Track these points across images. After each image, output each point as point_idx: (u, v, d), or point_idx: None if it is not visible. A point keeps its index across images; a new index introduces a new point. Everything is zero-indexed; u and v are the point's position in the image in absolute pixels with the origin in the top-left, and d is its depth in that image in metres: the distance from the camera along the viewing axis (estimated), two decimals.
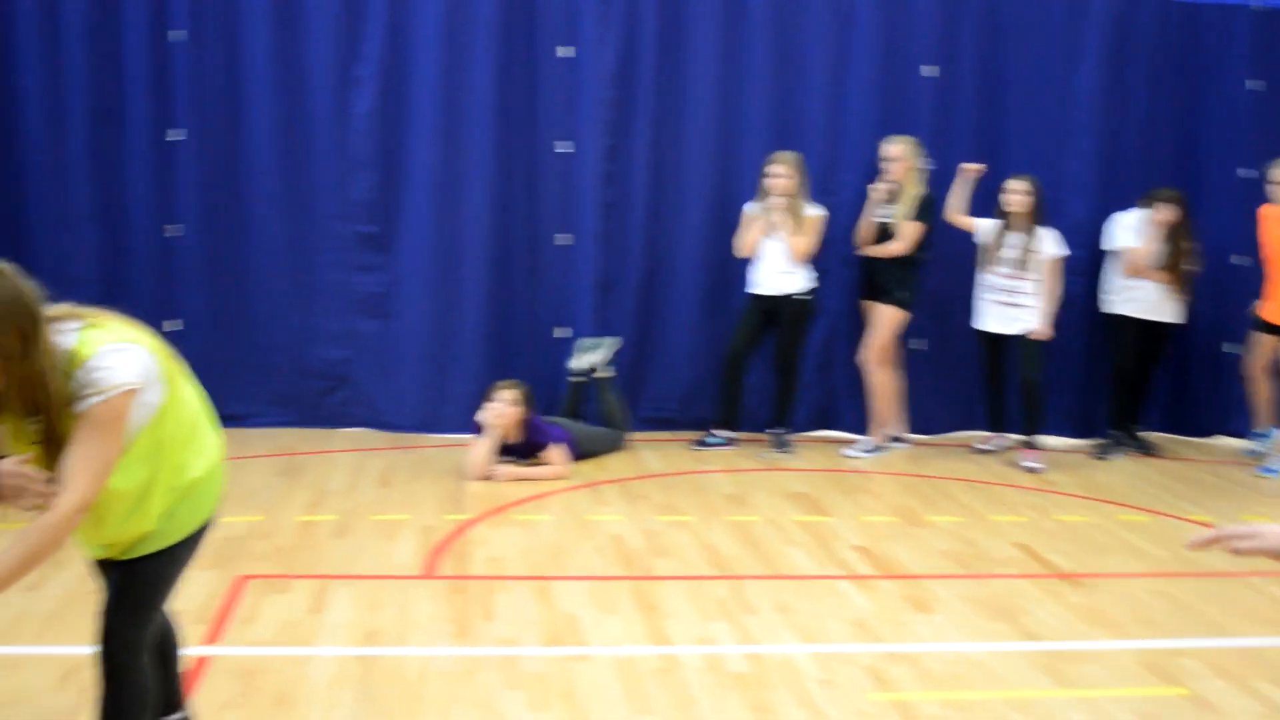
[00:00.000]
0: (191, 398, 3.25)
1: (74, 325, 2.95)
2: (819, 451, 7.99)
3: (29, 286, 2.84)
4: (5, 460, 2.78)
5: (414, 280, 8.06)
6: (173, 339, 7.63)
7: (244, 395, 8.05)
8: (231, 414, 7.98)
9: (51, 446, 2.88)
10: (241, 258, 7.96)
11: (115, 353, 2.93)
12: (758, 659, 4.60)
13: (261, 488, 6.75)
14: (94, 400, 2.86)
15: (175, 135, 7.77)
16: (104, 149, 7.72)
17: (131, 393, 2.92)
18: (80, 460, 2.83)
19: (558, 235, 8.14)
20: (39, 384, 2.81)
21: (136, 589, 3.18)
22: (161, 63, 7.70)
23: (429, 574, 5.46)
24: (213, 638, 4.63)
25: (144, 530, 3.14)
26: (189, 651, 4.33)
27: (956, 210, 7.92)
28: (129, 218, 7.83)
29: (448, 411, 8.02)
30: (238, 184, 7.88)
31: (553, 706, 4.16)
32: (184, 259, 7.92)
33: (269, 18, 7.73)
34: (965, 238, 7.93)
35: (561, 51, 7.95)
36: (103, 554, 3.22)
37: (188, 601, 4.87)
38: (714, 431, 8.01)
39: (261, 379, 8.07)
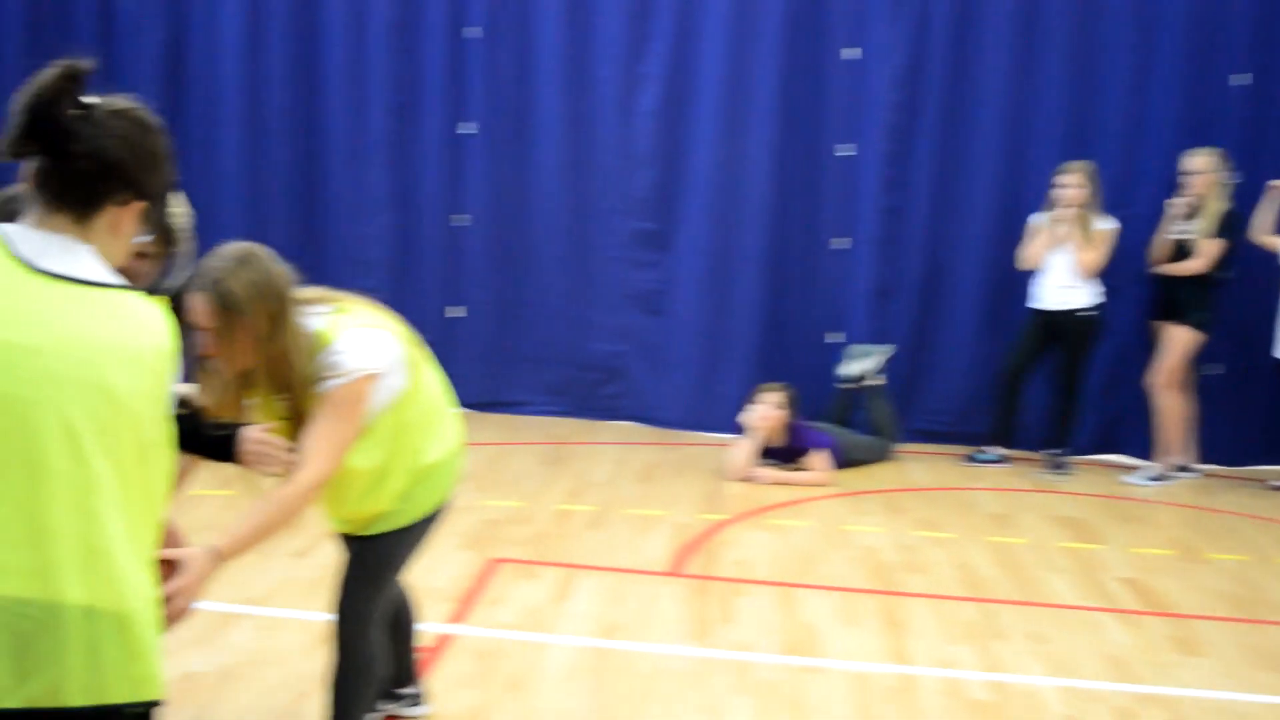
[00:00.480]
0: (433, 384, 3.34)
1: (323, 309, 3.08)
2: (1097, 476, 7.62)
3: (280, 269, 2.99)
4: (251, 428, 2.93)
5: (689, 278, 8.11)
6: (455, 325, 8.10)
7: (520, 383, 8.29)
8: (507, 400, 8.27)
9: (296, 423, 3.01)
10: (524, 249, 8.19)
11: (359, 338, 3.04)
12: (1001, 688, 4.41)
13: (526, 474, 6.92)
14: (335, 382, 2.97)
15: (466, 128, 8.07)
16: (399, 140, 8.09)
17: (371, 377, 3.02)
18: (319, 439, 2.96)
19: (835, 239, 8.04)
20: (285, 363, 2.95)
21: (370, 564, 3.29)
22: (456, 58, 8.01)
23: (675, 572, 5.47)
24: (458, 617, 4.77)
25: (381, 509, 3.25)
26: (433, 628, 4.48)
27: (1263, 230, 7.40)
28: (420, 206, 8.18)
29: (716, 410, 8.03)
30: (523, 177, 8.12)
31: (779, 717, 4.10)
32: (470, 248, 8.21)
33: (560, 16, 7.93)
34: (1272, 259, 7.40)
35: (847, 53, 7.85)
36: (343, 528, 3.35)
37: (439, 579, 5.04)
38: (986, 448, 7.75)
39: (537, 368, 8.29)
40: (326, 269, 7.98)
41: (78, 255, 2.00)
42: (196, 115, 8.15)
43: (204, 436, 2.90)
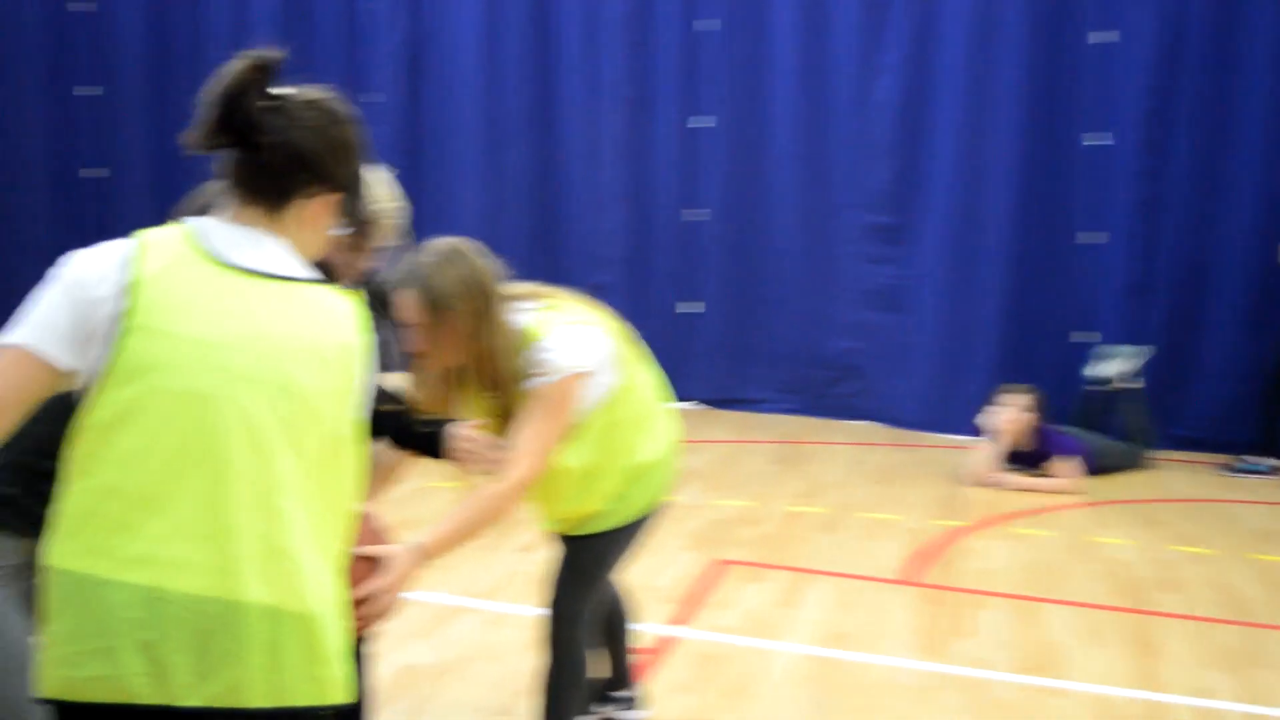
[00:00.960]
0: (647, 381, 3.24)
1: (532, 305, 3.00)
2: None
3: (488, 265, 2.92)
4: (459, 424, 2.87)
5: (929, 273, 7.83)
6: (690, 321, 8.04)
7: (754, 379, 8.16)
8: (740, 397, 8.15)
9: (503, 420, 2.95)
10: (759, 243, 8.05)
11: (568, 335, 2.95)
12: None
13: (758, 474, 6.78)
14: (543, 380, 2.89)
15: (701, 122, 7.97)
16: (634, 134, 8.06)
17: (580, 375, 2.93)
18: (526, 438, 2.88)
19: (1084, 233, 7.64)
20: (493, 361, 2.89)
21: (581, 565, 3.21)
22: (691, 51, 7.93)
23: (909, 580, 5.25)
24: (681, 619, 4.66)
25: (593, 509, 3.16)
26: (654, 630, 4.38)
27: None
28: (654, 201, 8.13)
29: (956, 411, 7.73)
30: (758, 170, 7.98)
31: None
32: (704, 243, 8.11)
33: (795, 5, 7.76)
34: None
35: (1097, 37, 7.44)
36: (555, 527, 3.27)
37: (663, 579, 4.95)
38: (1252, 457, 7.22)
39: (772, 364, 8.14)
40: (562, 264, 8.05)
41: (268, 248, 1.96)
42: (435, 113, 8.30)
43: (413, 432, 2.86)
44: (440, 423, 2.88)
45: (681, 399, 8.18)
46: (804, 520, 5.99)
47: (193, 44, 8.65)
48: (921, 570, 5.37)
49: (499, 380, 2.92)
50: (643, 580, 4.80)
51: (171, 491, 1.83)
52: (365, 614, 2.58)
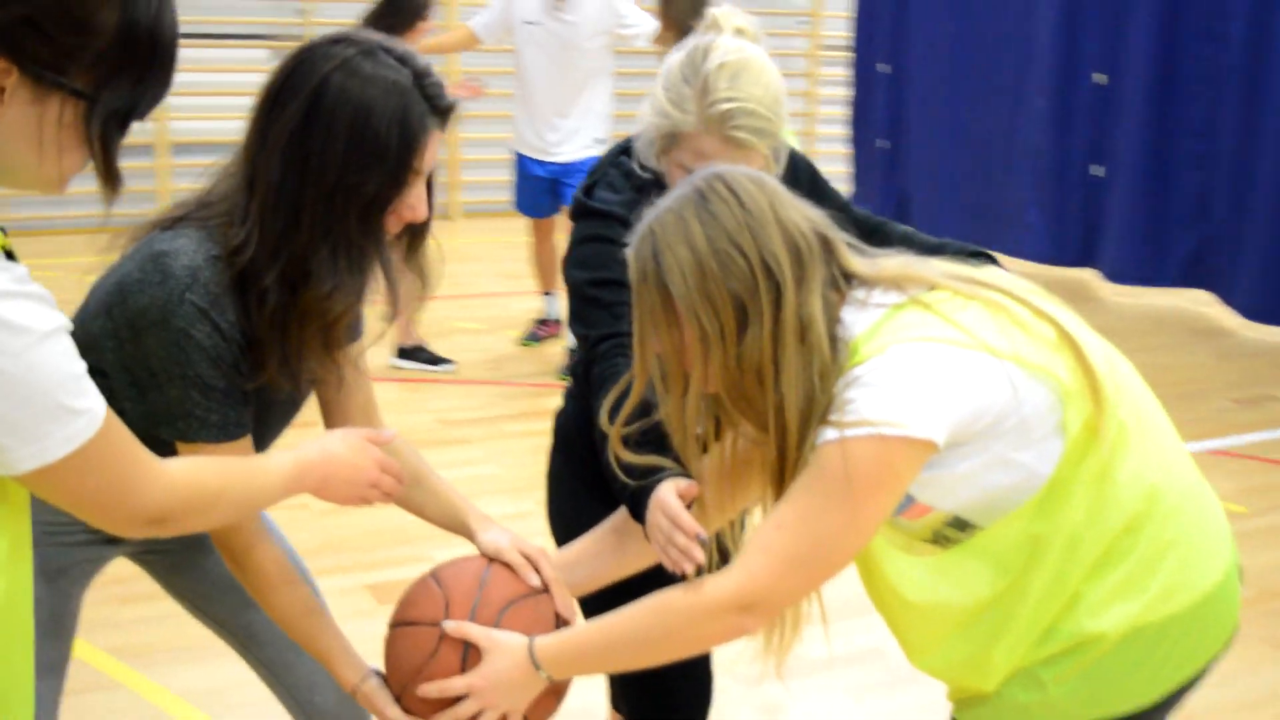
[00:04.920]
0: (1142, 471, 1.63)
1: (887, 298, 1.60)
2: None
3: (770, 224, 1.55)
4: (669, 486, 1.65)
5: None
6: None
7: None
8: None
9: (778, 487, 1.63)
10: None
11: (910, 361, 1.52)
12: None
13: None
14: (827, 435, 1.53)
15: None
16: None
17: (902, 442, 1.50)
18: (776, 526, 1.55)
19: None
20: (762, 390, 1.57)
21: None
22: None
23: None
24: None
25: (976, 686, 1.70)
26: None
27: None
28: None
29: None
30: None
31: None
32: None
33: None
34: None
35: None
36: (952, 694, 1.83)
37: None
38: None
39: None
40: None
41: None
42: None
43: (617, 481, 1.71)
44: (655, 472, 1.67)
45: None
46: None
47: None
48: None
49: (775, 424, 1.59)
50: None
51: None
52: None
